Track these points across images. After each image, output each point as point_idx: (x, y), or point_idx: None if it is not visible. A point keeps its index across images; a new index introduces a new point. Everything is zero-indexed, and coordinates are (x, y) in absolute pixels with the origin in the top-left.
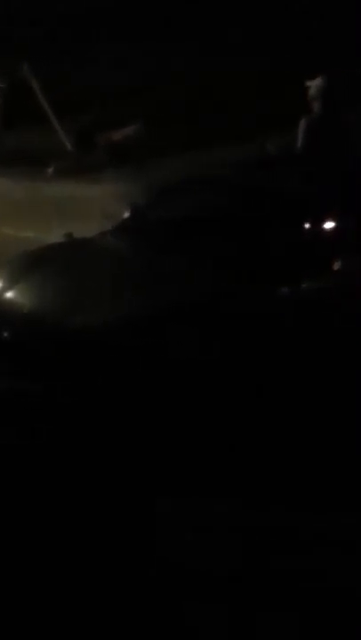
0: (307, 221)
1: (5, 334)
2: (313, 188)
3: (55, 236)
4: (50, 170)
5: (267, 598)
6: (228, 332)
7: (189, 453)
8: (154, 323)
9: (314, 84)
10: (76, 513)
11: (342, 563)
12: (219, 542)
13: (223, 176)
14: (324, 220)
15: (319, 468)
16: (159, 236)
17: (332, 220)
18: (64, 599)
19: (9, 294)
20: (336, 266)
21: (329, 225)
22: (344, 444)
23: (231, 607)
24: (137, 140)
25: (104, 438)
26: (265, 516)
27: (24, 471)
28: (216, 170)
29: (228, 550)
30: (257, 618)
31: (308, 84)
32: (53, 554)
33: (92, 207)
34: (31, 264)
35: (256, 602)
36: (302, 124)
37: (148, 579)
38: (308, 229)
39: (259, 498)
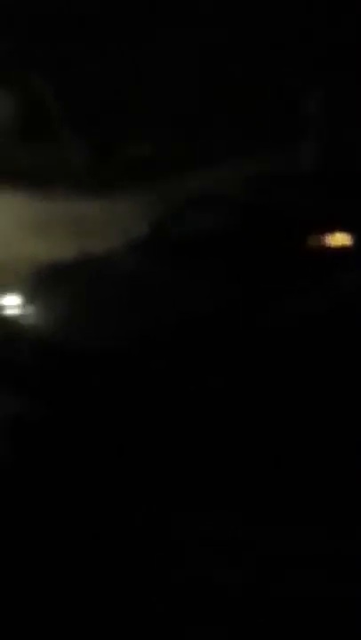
0: (322, 237)
1: (19, 354)
2: (327, 203)
3: (71, 253)
4: (65, 186)
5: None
6: (240, 348)
7: (195, 467)
8: (170, 340)
9: (315, 99)
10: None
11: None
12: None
13: (236, 193)
14: (333, 237)
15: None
16: (176, 254)
17: (340, 235)
18: (70, 609)
19: (24, 313)
20: (341, 282)
21: (337, 241)
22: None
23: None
24: (153, 157)
25: (115, 455)
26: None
27: (35, 488)
28: (229, 187)
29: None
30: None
31: (310, 98)
32: (62, 567)
33: (108, 224)
34: (46, 283)
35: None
36: (307, 139)
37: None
38: (322, 245)
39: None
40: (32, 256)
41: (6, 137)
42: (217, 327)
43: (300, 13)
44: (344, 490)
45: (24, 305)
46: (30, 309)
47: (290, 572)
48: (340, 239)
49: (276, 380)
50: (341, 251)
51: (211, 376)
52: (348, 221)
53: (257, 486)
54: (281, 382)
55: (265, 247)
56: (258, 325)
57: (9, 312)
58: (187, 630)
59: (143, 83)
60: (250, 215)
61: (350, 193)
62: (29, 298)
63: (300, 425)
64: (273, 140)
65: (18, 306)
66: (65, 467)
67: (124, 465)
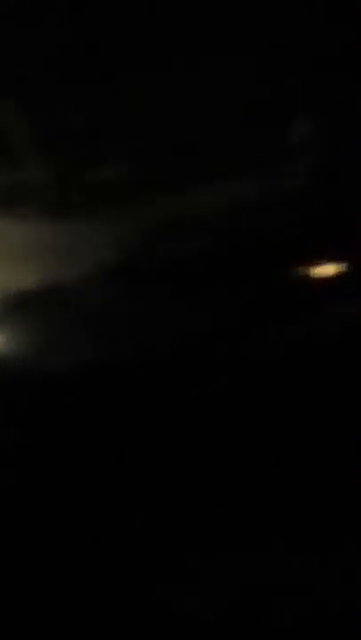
0: (300, 264)
1: None
2: (309, 228)
3: (37, 280)
4: (32, 211)
5: None
6: (215, 376)
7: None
8: (141, 370)
9: (304, 125)
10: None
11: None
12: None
13: (214, 218)
14: (318, 263)
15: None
16: (147, 279)
17: (327, 262)
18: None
19: None
20: (330, 309)
21: (324, 270)
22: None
23: None
24: (125, 180)
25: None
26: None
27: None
28: (207, 212)
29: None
30: None
31: (299, 123)
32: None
33: (77, 249)
34: (9, 310)
35: None
36: (295, 163)
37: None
38: (302, 272)
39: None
40: None
41: None
42: (190, 358)
43: (290, 32)
44: (318, 519)
45: None
46: None
47: (263, 600)
48: (326, 268)
49: (258, 411)
50: (328, 280)
51: (184, 408)
52: (336, 250)
53: (231, 514)
54: (262, 413)
55: (244, 275)
56: (237, 355)
57: None
58: None
59: (115, 104)
60: (228, 241)
61: (338, 220)
62: None
63: (279, 454)
64: (258, 163)
65: None
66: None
67: (89, 494)
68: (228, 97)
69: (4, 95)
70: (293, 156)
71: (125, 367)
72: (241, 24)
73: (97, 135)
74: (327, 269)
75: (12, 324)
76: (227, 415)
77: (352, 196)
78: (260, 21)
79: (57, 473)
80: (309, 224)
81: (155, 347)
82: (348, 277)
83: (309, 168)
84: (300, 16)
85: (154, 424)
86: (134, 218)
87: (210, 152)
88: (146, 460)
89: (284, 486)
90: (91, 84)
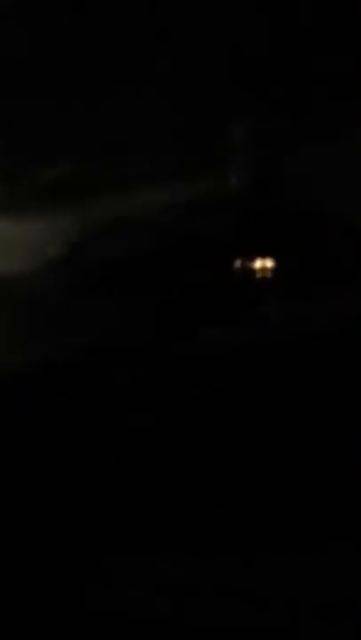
0: (235, 264)
1: None
2: (242, 229)
3: None
4: None
5: None
6: (156, 377)
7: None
8: (75, 366)
9: (246, 126)
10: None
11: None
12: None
13: (151, 218)
14: (253, 264)
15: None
16: (87, 277)
17: (263, 263)
18: None
19: None
20: (264, 310)
21: (258, 268)
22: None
23: None
24: (71, 179)
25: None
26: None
27: None
28: (144, 211)
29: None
30: None
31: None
32: None
33: (22, 245)
34: None
35: None
36: (236, 165)
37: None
38: (237, 273)
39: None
40: None
41: None
42: (130, 355)
43: (234, 37)
44: (259, 518)
45: None
46: None
47: (203, 602)
48: (264, 267)
49: (197, 413)
50: (265, 279)
51: (124, 406)
52: (273, 249)
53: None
54: (202, 415)
55: (184, 273)
56: (175, 354)
57: None
58: None
59: (63, 103)
60: (169, 240)
61: (276, 220)
62: None
63: (215, 454)
64: (199, 164)
65: None
66: None
67: (39, 495)
68: (170, 101)
69: None
70: (232, 157)
71: (68, 361)
72: (180, 28)
73: (45, 135)
74: (265, 267)
75: None
76: (170, 408)
77: (287, 195)
78: (199, 26)
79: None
80: (248, 223)
81: (97, 340)
82: (285, 275)
83: (247, 168)
84: (236, 20)
85: (101, 417)
86: (80, 215)
87: (153, 153)
88: (86, 457)
89: (217, 493)
90: (43, 87)
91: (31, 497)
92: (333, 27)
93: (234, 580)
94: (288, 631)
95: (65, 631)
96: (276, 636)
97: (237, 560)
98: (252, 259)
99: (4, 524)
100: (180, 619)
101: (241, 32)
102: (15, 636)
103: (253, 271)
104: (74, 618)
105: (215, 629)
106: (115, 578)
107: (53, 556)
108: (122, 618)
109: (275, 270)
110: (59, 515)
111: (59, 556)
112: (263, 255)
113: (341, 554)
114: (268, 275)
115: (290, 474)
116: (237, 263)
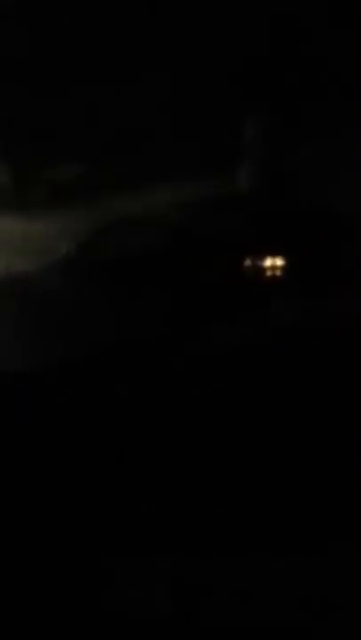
0: (245, 263)
1: None
2: (252, 229)
3: None
4: None
5: None
6: (161, 375)
7: (131, 507)
8: (87, 365)
9: (254, 124)
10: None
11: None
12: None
13: (161, 217)
14: (261, 262)
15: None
16: (97, 276)
17: (273, 262)
18: None
19: None
20: (273, 308)
21: (268, 267)
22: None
23: None
24: (79, 179)
25: (31, 482)
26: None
27: None
28: (154, 211)
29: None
30: None
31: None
32: None
33: (31, 243)
34: None
35: None
36: (247, 165)
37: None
38: (245, 271)
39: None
40: None
41: None
42: (139, 353)
43: (243, 38)
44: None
45: None
46: None
47: (208, 602)
48: (273, 265)
49: (199, 412)
50: (274, 278)
51: (131, 403)
52: (282, 247)
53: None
54: (204, 414)
55: (193, 272)
56: (184, 354)
57: None
58: None
59: (75, 105)
60: (178, 239)
61: (284, 219)
62: None
63: (220, 454)
64: (210, 164)
65: None
66: None
67: (42, 495)
68: (181, 102)
69: None
70: (243, 157)
71: (76, 357)
72: (183, 34)
73: (57, 137)
74: (275, 266)
75: None
76: (171, 408)
77: (298, 194)
78: (209, 30)
79: None
80: (257, 222)
81: (106, 337)
82: (295, 274)
83: (258, 168)
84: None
85: (105, 414)
86: (92, 214)
87: (165, 154)
88: (90, 457)
89: (216, 495)
90: (49, 89)
91: (31, 497)
92: (334, 27)
93: (234, 580)
94: (288, 631)
95: (65, 631)
96: (277, 636)
97: (237, 560)
98: (262, 257)
99: (5, 524)
100: (180, 619)
101: (248, 34)
102: (15, 636)
103: (263, 270)
104: (74, 618)
105: (215, 629)
106: (115, 578)
107: (54, 556)
108: (122, 618)
109: (285, 269)
110: (59, 515)
111: (59, 556)
112: (273, 254)
113: (341, 554)
114: (278, 273)
115: (291, 474)
116: (247, 262)
